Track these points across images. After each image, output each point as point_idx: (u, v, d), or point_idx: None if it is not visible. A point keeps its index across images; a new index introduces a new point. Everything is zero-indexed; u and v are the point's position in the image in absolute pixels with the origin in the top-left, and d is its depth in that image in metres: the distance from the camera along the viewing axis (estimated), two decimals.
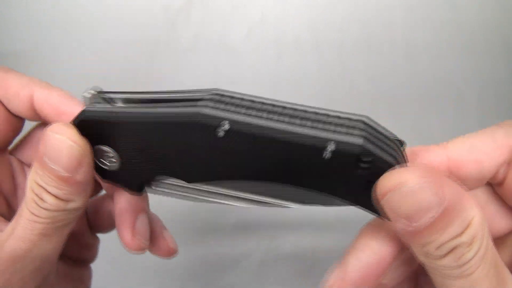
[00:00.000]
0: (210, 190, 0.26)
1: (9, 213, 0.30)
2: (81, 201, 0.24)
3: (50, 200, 0.23)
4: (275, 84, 0.57)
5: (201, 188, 0.26)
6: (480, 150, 0.22)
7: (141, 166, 0.24)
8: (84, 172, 0.23)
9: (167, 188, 0.26)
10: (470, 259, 0.18)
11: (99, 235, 0.38)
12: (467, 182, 0.23)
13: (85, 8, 0.56)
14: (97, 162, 0.24)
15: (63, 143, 0.22)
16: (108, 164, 0.24)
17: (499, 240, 0.24)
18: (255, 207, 0.27)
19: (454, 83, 0.58)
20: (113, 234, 0.56)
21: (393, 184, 0.18)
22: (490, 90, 0.59)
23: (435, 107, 0.58)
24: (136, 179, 0.25)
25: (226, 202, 0.25)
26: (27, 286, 0.24)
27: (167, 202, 0.58)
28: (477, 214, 0.18)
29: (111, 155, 0.24)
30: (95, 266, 0.39)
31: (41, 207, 0.23)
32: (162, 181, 0.25)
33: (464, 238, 0.18)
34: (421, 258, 0.20)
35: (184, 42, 0.56)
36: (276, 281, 0.56)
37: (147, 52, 0.56)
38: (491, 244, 0.19)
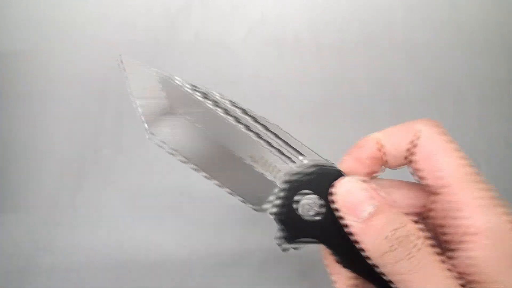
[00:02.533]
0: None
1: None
2: None
3: None
4: (275, 84, 0.57)
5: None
6: (389, 132, 0.28)
7: None
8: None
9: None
10: (415, 247, 0.22)
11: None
12: (390, 161, 0.28)
13: (85, 8, 0.56)
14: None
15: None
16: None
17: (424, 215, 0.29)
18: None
19: (454, 83, 0.58)
20: (110, 232, 0.56)
21: (338, 183, 0.25)
22: (490, 90, 0.59)
23: (435, 107, 0.58)
24: None
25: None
26: None
27: (168, 202, 0.58)
28: (410, 222, 0.23)
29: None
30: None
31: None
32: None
33: (404, 231, 0.22)
34: (376, 260, 0.23)
35: (184, 42, 0.56)
36: (276, 281, 0.56)
37: (147, 52, 0.56)
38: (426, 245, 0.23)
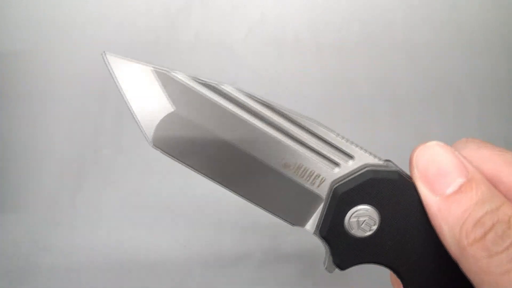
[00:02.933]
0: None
1: None
2: None
3: None
4: (275, 84, 0.57)
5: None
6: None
7: None
8: None
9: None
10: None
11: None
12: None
13: (85, 8, 0.56)
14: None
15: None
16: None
17: None
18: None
19: (454, 83, 0.58)
20: (110, 232, 0.56)
21: (420, 148, 0.19)
22: (490, 90, 0.59)
23: (435, 107, 0.58)
24: None
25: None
26: None
27: (168, 202, 0.58)
28: (507, 203, 0.18)
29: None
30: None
31: None
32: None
33: (501, 214, 0.17)
34: (458, 251, 0.18)
35: (184, 42, 0.56)
36: (276, 281, 0.56)
37: (147, 52, 0.56)
38: None
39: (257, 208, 0.22)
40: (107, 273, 0.52)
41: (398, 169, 0.21)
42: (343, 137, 0.21)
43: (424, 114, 0.58)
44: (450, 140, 0.21)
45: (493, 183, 0.20)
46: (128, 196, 0.57)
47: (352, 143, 0.21)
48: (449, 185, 0.18)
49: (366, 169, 0.21)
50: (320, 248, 0.28)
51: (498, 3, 0.58)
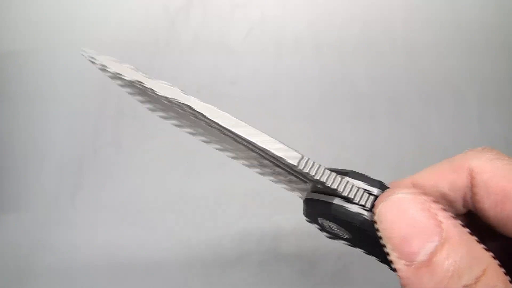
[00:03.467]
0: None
1: None
2: None
3: None
4: (275, 84, 0.57)
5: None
6: (435, 176, 0.20)
7: None
8: None
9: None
10: None
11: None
12: None
13: (85, 8, 0.56)
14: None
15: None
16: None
17: None
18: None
19: (454, 83, 0.58)
20: (110, 232, 0.56)
21: (385, 197, 0.16)
22: (490, 90, 0.59)
23: (435, 107, 0.58)
24: None
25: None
26: None
27: (168, 202, 0.58)
28: (493, 264, 0.15)
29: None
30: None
31: None
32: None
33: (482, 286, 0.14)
34: None
35: (184, 42, 0.56)
36: (276, 281, 0.56)
37: (147, 52, 0.56)
38: None
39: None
40: (107, 273, 0.52)
41: (365, 215, 0.18)
42: (312, 163, 0.18)
43: (424, 114, 0.58)
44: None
45: (504, 201, 0.18)
46: (128, 196, 0.57)
47: (340, 173, 0.19)
48: (419, 251, 0.15)
49: (333, 202, 0.19)
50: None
51: (498, 3, 0.58)
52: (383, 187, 0.18)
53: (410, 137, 0.57)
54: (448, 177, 0.20)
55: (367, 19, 0.57)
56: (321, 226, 0.21)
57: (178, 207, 0.57)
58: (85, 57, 0.22)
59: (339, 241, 0.21)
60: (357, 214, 0.18)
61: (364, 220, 0.18)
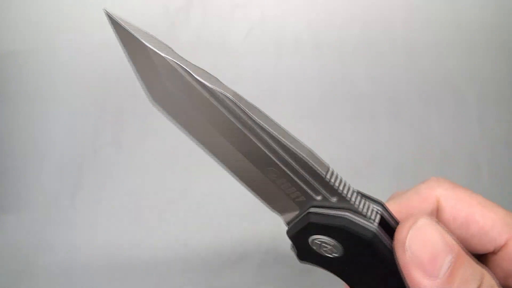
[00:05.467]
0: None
1: None
2: None
3: None
4: (275, 84, 0.57)
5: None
6: (406, 205, 0.23)
7: None
8: None
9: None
10: None
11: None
12: None
13: (85, 8, 0.56)
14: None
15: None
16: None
17: None
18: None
19: (454, 83, 0.58)
20: (110, 232, 0.56)
21: (413, 230, 0.19)
22: (490, 90, 0.59)
23: (435, 107, 0.58)
24: None
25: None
26: None
27: (168, 202, 0.58)
28: (487, 275, 0.19)
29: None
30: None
31: None
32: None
33: (487, 285, 0.18)
34: None
35: (184, 42, 0.56)
36: (276, 281, 0.56)
37: None
38: None
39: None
40: (107, 273, 0.52)
41: (376, 228, 0.20)
42: (337, 175, 0.20)
43: (424, 114, 0.58)
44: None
45: (467, 222, 0.22)
46: (128, 196, 0.57)
47: (345, 183, 0.20)
48: (441, 266, 0.18)
49: (344, 215, 0.20)
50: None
51: (498, 3, 0.58)
52: (385, 207, 0.21)
53: (410, 137, 0.57)
54: (417, 206, 0.23)
55: (367, 19, 0.57)
56: (302, 247, 0.22)
57: (178, 207, 0.57)
58: (106, 14, 0.21)
59: (312, 265, 0.22)
60: (369, 229, 0.20)
61: (374, 235, 0.20)
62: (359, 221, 0.20)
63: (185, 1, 0.56)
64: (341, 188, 0.20)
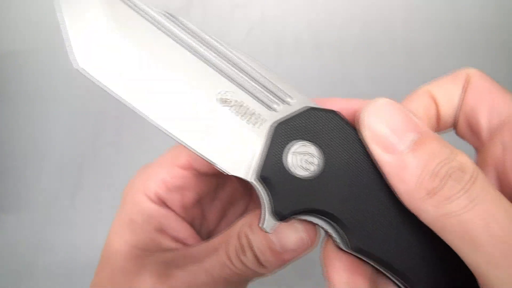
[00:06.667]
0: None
1: (202, 223, 0.30)
2: (274, 270, 0.23)
3: (250, 257, 0.22)
4: None
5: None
6: (442, 84, 0.24)
7: None
8: (293, 254, 0.22)
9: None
10: (470, 180, 0.17)
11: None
12: (443, 117, 0.24)
13: None
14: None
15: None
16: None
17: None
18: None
19: None
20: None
21: (370, 107, 0.19)
22: None
23: None
24: None
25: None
26: None
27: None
28: (466, 156, 0.19)
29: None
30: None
31: (240, 258, 0.23)
32: None
33: (455, 163, 0.18)
34: (417, 204, 0.18)
35: None
36: (276, 281, 0.56)
37: None
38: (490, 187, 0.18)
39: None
40: None
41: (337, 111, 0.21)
42: (285, 80, 0.21)
43: None
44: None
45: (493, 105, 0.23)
46: None
47: (294, 87, 0.21)
48: (402, 142, 0.18)
49: (306, 106, 0.21)
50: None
51: (498, 3, 0.58)
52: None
53: None
54: (453, 83, 0.24)
55: (367, 19, 0.57)
56: (278, 182, 0.20)
57: None
58: None
59: (289, 214, 0.20)
60: (333, 110, 0.21)
61: (340, 116, 0.20)
62: (321, 107, 0.21)
63: (185, 1, 0.56)
64: (292, 92, 0.21)
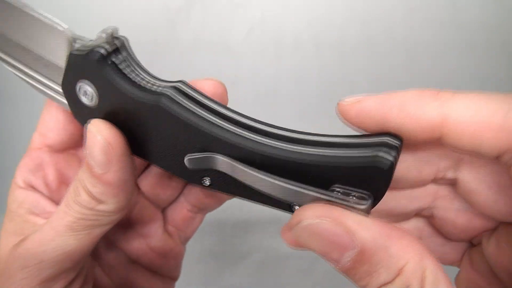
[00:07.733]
0: None
1: (162, 201, 0.33)
2: (115, 206, 0.23)
3: (84, 195, 0.23)
4: (275, 84, 0.57)
5: None
6: (485, 122, 0.18)
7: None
8: (115, 172, 0.22)
9: None
10: None
11: None
12: (454, 155, 0.22)
13: (85, 8, 0.56)
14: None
15: (95, 139, 0.22)
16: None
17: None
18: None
19: (454, 83, 0.58)
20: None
21: (295, 220, 0.19)
22: (490, 90, 0.59)
23: None
24: None
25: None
26: (43, 274, 0.24)
27: None
28: (412, 260, 0.16)
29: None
30: None
31: (75, 200, 0.23)
32: None
33: (395, 286, 0.16)
34: None
35: (184, 42, 0.56)
36: (276, 281, 0.56)
37: (147, 52, 0.56)
38: None
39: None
40: None
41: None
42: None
43: None
44: None
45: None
46: None
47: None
48: (339, 260, 0.18)
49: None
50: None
51: (498, 3, 0.58)
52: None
53: None
54: (495, 132, 0.21)
55: (367, 19, 0.57)
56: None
57: None
58: None
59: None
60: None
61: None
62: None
63: (185, 1, 0.56)
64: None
